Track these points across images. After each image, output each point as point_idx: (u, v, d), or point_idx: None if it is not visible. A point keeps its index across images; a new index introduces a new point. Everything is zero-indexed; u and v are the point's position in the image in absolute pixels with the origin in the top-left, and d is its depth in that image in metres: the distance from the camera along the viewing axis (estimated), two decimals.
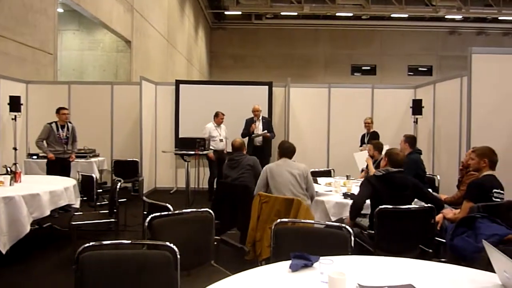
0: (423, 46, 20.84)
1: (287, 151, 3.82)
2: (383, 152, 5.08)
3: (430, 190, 4.35)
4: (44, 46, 7.20)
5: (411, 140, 5.08)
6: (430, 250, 3.27)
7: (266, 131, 7.19)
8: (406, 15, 18.31)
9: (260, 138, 7.22)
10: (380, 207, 3.07)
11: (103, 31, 10.40)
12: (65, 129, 6.00)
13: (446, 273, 1.87)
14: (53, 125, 5.92)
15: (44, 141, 5.89)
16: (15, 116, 6.37)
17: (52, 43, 7.49)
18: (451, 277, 1.81)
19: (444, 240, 3.34)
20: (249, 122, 7.30)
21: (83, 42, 11.04)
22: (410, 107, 7.06)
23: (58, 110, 5.99)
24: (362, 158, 5.55)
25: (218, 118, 7.26)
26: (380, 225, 3.09)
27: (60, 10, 9.10)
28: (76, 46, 11.05)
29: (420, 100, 6.97)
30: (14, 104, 6.32)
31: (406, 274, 1.80)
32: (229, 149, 7.11)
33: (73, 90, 7.90)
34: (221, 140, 7.20)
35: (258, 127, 7.26)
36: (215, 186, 7.33)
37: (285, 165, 3.71)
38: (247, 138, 7.01)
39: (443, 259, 3.00)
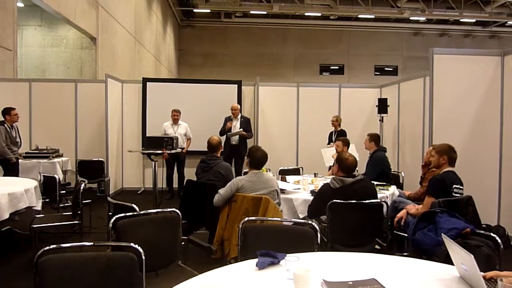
0: (389, 47, 21.38)
1: (257, 162, 3.57)
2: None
3: (394, 186, 4.50)
4: (2, 41, 6.87)
5: (375, 138, 5.24)
6: (384, 244, 3.38)
7: (241, 129, 7.07)
8: (372, 16, 18.74)
9: (237, 137, 7.10)
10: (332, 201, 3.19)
11: (66, 27, 10.04)
12: (14, 129, 5.76)
13: (407, 266, 1.93)
14: (6, 125, 5.60)
15: None
16: None
17: (12, 38, 7.16)
18: (412, 270, 1.87)
19: (406, 235, 3.44)
20: (227, 120, 7.25)
21: (46, 38, 10.61)
22: (376, 106, 7.24)
23: (9, 111, 5.64)
24: (329, 155, 5.64)
25: (172, 115, 7.25)
26: (333, 219, 3.21)
27: (21, 4, 8.73)
28: (38, 42, 10.60)
29: (386, 99, 7.15)
30: None
31: (369, 268, 1.84)
32: (196, 148, 7.15)
33: (34, 87, 7.61)
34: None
35: (235, 126, 7.20)
36: (176, 185, 7.41)
37: (257, 181, 3.50)
38: (224, 136, 6.93)
39: (405, 253, 3.10)
